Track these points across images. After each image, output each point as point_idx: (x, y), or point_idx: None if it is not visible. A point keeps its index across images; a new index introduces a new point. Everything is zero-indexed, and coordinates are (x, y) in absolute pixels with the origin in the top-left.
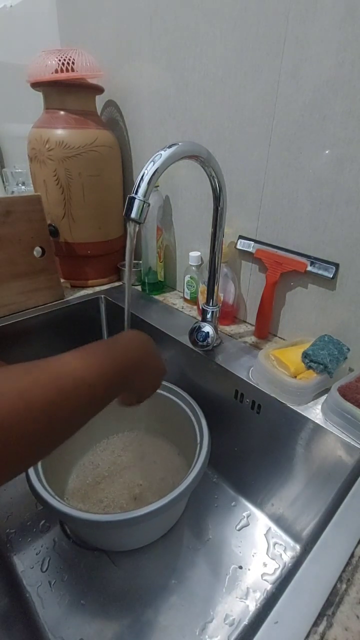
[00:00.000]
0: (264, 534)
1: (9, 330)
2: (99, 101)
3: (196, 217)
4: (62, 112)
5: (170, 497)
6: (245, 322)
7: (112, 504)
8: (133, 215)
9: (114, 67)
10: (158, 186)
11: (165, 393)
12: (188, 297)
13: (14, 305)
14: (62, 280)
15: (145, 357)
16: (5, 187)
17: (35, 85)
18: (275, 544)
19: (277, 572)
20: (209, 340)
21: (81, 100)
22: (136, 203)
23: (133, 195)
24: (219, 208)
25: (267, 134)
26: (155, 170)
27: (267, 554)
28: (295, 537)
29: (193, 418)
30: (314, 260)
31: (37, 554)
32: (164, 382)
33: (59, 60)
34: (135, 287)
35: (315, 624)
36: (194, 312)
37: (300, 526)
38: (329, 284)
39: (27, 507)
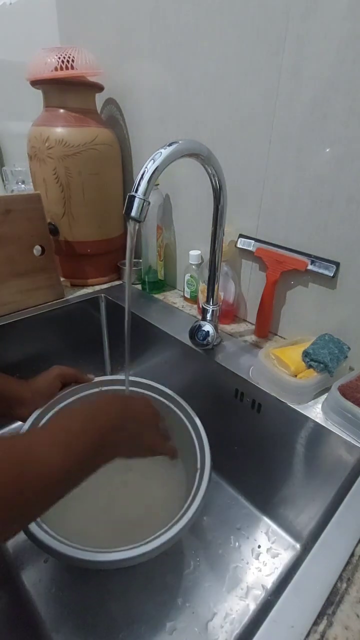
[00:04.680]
0: (264, 533)
1: (9, 330)
2: (99, 99)
3: (196, 215)
4: (61, 110)
5: (160, 541)
6: (246, 321)
7: (97, 519)
8: (133, 213)
9: (114, 65)
10: (158, 185)
11: (174, 407)
12: (188, 296)
13: (14, 304)
14: (62, 279)
15: (124, 424)
16: (5, 186)
17: (35, 83)
18: (275, 542)
19: (278, 571)
20: (209, 339)
21: (81, 98)
22: (136, 201)
23: (133, 193)
24: (219, 206)
25: (268, 132)
26: (156, 169)
27: (267, 553)
28: (295, 536)
29: (196, 442)
30: (314, 259)
31: (37, 554)
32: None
33: (59, 58)
34: (136, 286)
35: (316, 623)
36: (194, 311)
37: (301, 525)
38: (330, 283)
39: None
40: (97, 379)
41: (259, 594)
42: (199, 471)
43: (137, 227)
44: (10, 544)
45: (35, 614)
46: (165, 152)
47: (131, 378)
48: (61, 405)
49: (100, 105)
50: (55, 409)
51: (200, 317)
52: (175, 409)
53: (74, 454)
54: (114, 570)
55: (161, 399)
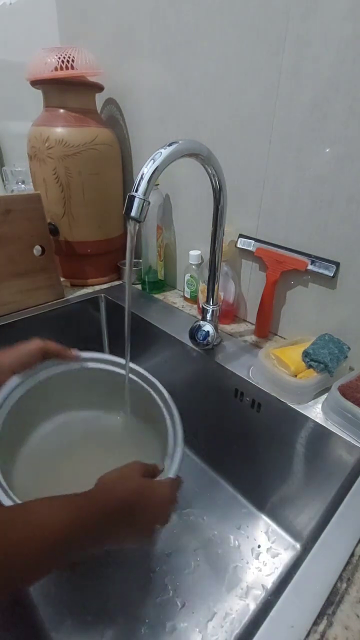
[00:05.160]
0: (264, 533)
1: (9, 330)
2: (99, 99)
3: (196, 215)
4: (61, 110)
5: None
6: (246, 321)
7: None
8: (133, 213)
9: (114, 65)
10: (158, 185)
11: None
12: (188, 296)
13: (14, 304)
14: (62, 279)
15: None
16: (5, 186)
17: (35, 83)
18: (275, 542)
19: (277, 571)
20: (209, 339)
21: (81, 98)
22: (136, 201)
23: (133, 193)
24: (219, 206)
25: (268, 132)
26: (156, 169)
27: (267, 552)
28: (295, 535)
29: (168, 421)
30: (314, 259)
31: None
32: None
33: (59, 58)
34: (136, 286)
35: (316, 622)
36: (194, 311)
37: (301, 525)
38: (330, 283)
39: None
40: (82, 354)
41: (259, 594)
42: (169, 457)
43: (137, 227)
44: None
45: (36, 614)
46: (165, 152)
47: (100, 355)
48: (39, 374)
49: (100, 105)
50: (32, 378)
51: (200, 317)
52: (147, 387)
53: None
54: (114, 570)
55: (134, 377)
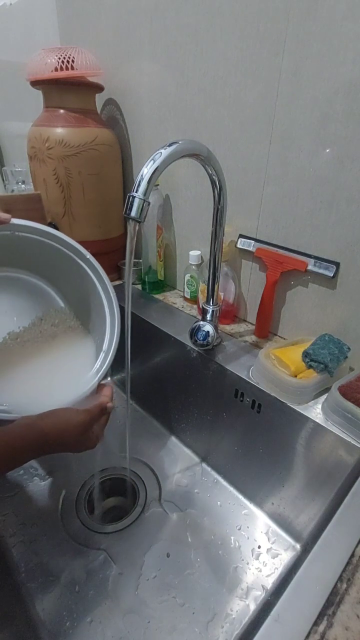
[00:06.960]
0: (264, 533)
1: None
2: (99, 99)
3: (196, 215)
4: (61, 111)
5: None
6: (246, 321)
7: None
8: (133, 214)
9: (114, 65)
10: (158, 185)
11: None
12: (188, 296)
13: None
14: None
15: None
16: (5, 186)
17: (35, 83)
18: (275, 543)
19: (278, 572)
20: (209, 339)
21: (81, 99)
22: (136, 202)
23: (133, 194)
24: (219, 207)
25: (268, 132)
26: (156, 169)
27: (267, 553)
28: (295, 536)
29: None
30: (314, 259)
31: (36, 553)
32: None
33: (59, 59)
34: (135, 286)
35: (316, 623)
36: (194, 311)
37: (301, 525)
38: (330, 283)
39: (24, 507)
40: (14, 220)
41: (259, 595)
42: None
43: (137, 228)
44: (9, 545)
45: (34, 614)
46: (165, 152)
47: (18, 221)
48: None
49: (100, 105)
50: None
51: (200, 318)
52: (88, 270)
53: None
54: (112, 568)
55: (74, 257)
